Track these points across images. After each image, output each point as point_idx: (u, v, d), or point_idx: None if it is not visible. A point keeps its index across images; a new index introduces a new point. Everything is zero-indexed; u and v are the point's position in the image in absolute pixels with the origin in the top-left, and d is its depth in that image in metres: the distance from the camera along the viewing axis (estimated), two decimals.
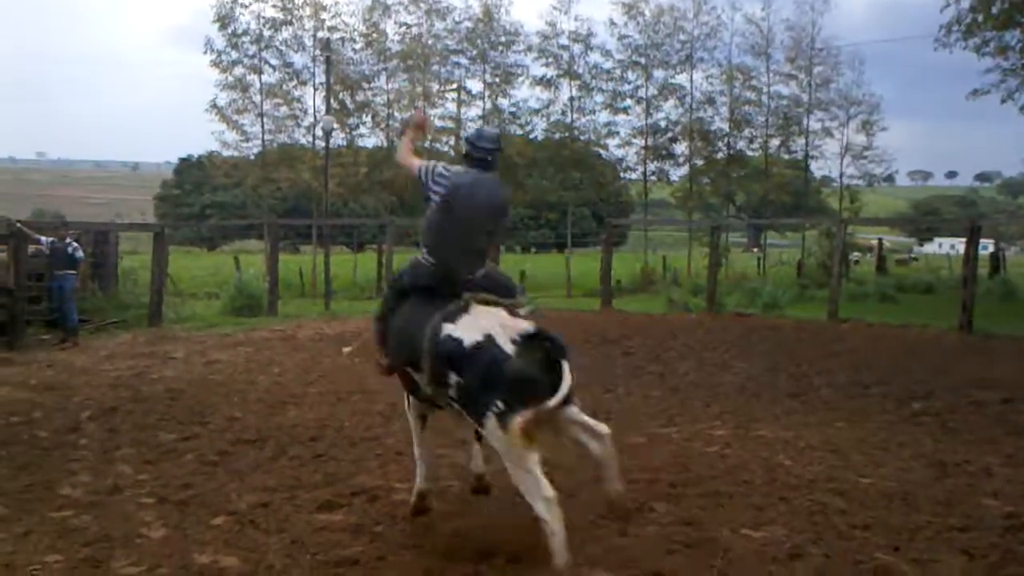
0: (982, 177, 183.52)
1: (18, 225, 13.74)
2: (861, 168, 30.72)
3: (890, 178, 36.68)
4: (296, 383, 10.22)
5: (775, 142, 30.54)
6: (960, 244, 19.37)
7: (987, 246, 32.48)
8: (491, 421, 4.34)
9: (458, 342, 4.53)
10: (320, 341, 13.97)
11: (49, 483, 6.12)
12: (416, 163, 5.05)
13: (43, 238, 13.99)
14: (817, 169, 32.56)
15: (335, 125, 26.53)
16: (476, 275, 4.98)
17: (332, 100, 27.01)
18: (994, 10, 21.29)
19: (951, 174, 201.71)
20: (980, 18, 21.82)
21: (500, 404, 4.29)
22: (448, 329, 4.62)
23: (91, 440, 7.46)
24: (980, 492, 6.01)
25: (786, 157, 31.21)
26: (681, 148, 30.17)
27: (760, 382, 10.57)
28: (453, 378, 4.53)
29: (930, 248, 68.97)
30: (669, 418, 8.48)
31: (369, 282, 26.47)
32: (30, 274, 14.17)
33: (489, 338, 4.48)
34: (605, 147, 30.74)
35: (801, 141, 30.47)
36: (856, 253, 41.26)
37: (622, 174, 32.72)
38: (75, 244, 14.13)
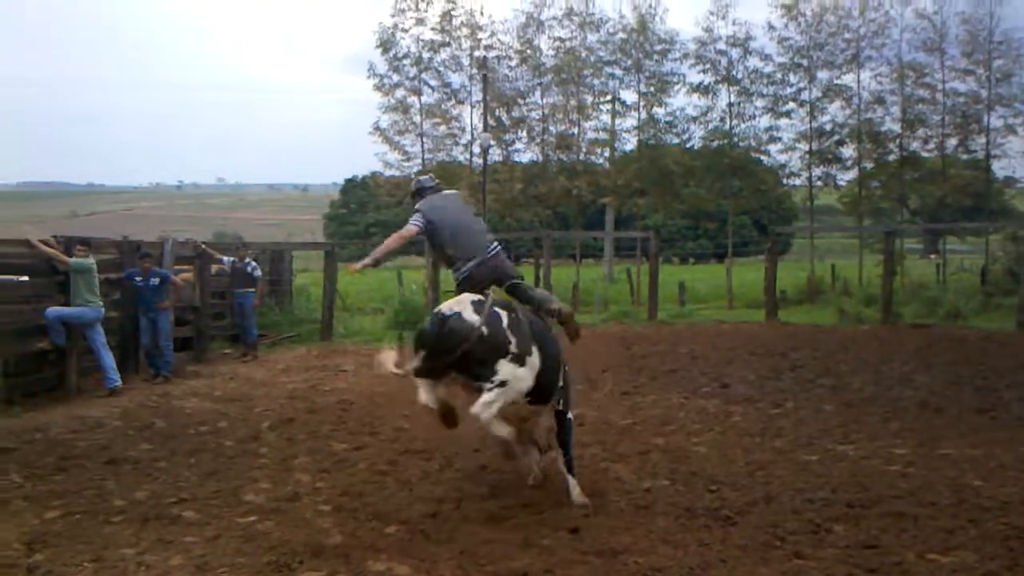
0: None
1: (202, 246, 14.72)
2: None
3: None
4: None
5: (952, 142, 28.54)
6: None
7: None
8: None
9: None
10: None
11: (234, 490, 6.50)
12: (402, 231, 6.43)
13: (225, 258, 14.94)
14: (1000, 169, 30.16)
15: (492, 142, 26.97)
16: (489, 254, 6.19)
17: (489, 117, 27.48)
18: None
19: None
20: None
21: None
22: None
23: (271, 449, 7.88)
24: None
25: (965, 157, 29.11)
26: (848, 151, 28.70)
27: (944, 397, 9.92)
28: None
29: None
30: (844, 435, 8.08)
31: None
32: (214, 292, 15.18)
33: None
34: (767, 153, 29.66)
35: (981, 140, 28.31)
36: None
37: (785, 180, 31.51)
38: (253, 263, 15.03)
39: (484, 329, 5.25)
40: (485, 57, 27.61)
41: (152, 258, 12.26)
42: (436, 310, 5.59)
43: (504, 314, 5.46)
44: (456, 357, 5.21)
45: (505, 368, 5.25)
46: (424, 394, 5.45)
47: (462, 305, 5.42)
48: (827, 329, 17.27)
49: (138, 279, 11.94)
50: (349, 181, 77.19)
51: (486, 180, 26.12)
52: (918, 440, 7.73)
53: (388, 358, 5.67)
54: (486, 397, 5.20)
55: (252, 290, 14.68)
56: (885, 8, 27.93)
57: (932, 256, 38.33)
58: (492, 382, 5.21)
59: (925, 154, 28.98)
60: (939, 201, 29.36)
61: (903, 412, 9.04)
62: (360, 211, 72.40)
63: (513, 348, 5.32)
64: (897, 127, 28.24)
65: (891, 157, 28.37)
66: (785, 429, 8.36)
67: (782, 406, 9.54)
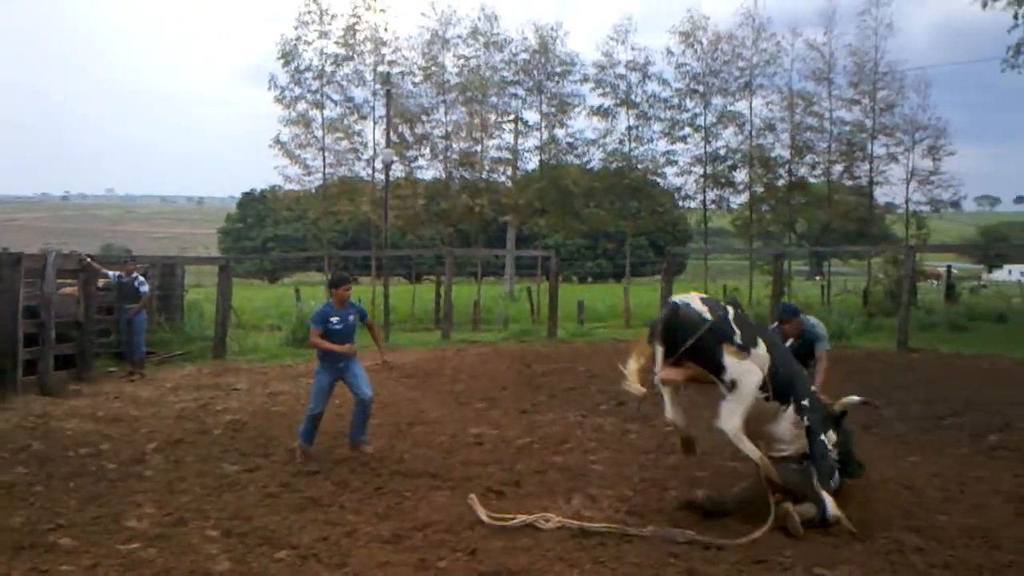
0: None
1: (87, 260, 14.03)
2: (927, 194, 29.84)
3: (956, 204, 35.63)
4: None
5: (838, 168, 29.88)
6: None
7: None
8: None
9: None
10: (380, 372, 14.01)
11: (116, 515, 6.20)
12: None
13: (111, 272, 14.31)
14: (882, 195, 31.71)
15: (394, 158, 26.81)
16: None
17: (392, 133, 27.32)
18: None
19: (1020, 199, 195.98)
20: None
21: None
22: None
23: (156, 472, 7.56)
24: None
25: (849, 183, 30.49)
26: (741, 176, 29.69)
27: None
28: None
29: (999, 275, 66.88)
30: (734, 452, 8.25)
31: (427, 313, 26.55)
32: (99, 308, 14.49)
33: None
34: (663, 176, 30.44)
35: (865, 167, 29.75)
36: (933, 281, 40.17)
37: (680, 202, 32.39)
38: (141, 278, 14.41)
39: (711, 316, 5.78)
40: (389, 72, 27.47)
41: None
42: (669, 300, 6.27)
43: (731, 309, 6.01)
44: (689, 344, 5.69)
45: (732, 362, 5.69)
46: (669, 410, 5.93)
47: (691, 297, 6.07)
48: None
49: None
50: (247, 194, 75.50)
51: (388, 196, 25.91)
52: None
53: (631, 370, 5.87)
54: (725, 408, 5.69)
55: (135, 305, 13.99)
56: (777, 38, 29.11)
57: (818, 278, 39.97)
58: (724, 382, 5.70)
59: (812, 180, 30.24)
60: (825, 225, 30.70)
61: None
62: (258, 225, 70.93)
63: (738, 339, 5.76)
64: (786, 153, 29.41)
65: (780, 182, 29.48)
66: (679, 447, 8.52)
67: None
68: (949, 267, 38.53)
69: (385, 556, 5.20)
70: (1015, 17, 21.57)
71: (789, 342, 7.60)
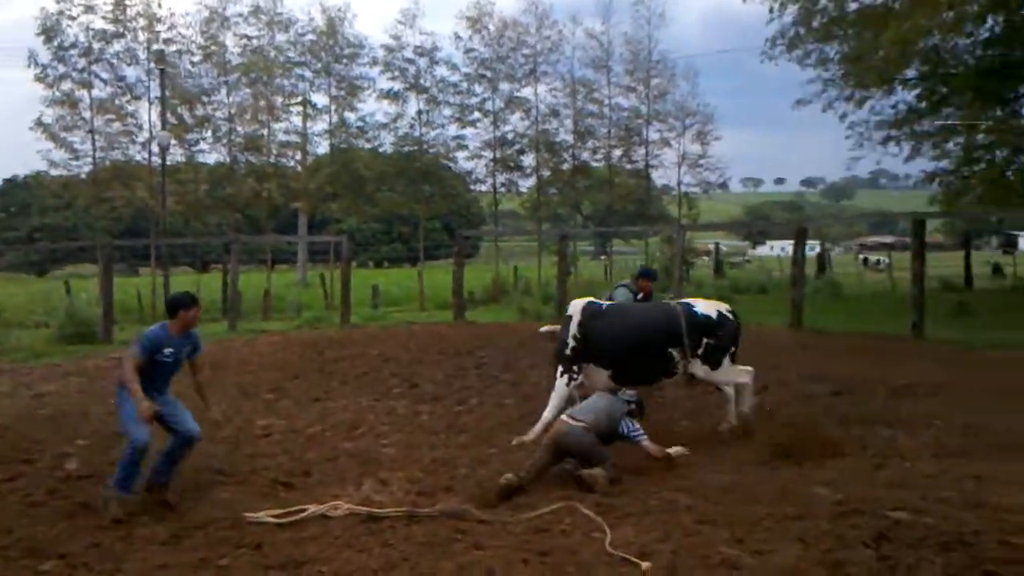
0: (808, 183, 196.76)
1: None
2: (697, 176, 32.17)
3: (724, 185, 38.51)
4: None
5: (617, 152, 31.53)
6: (789, 246, 20.57)
7: (814, 247, 34.78)
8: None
9: None
10: None
11: None
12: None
13: None
14: (658, 178, 33.83)
15: (172, 141, 25.48)
16: None
17: (169, 115, 25.92)
18: (815, 24, 22.76)
19: (780, 180, 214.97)
20: (802, 31, 23.27)
21: None
22: None
23: None
24: (812, 482, 6.36)
25: (628, 167, 32.23)
26: (528, 160, 30.68)
27: None
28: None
29: (763, 251, 72.94)
30: (523, 427, 8.55)
31: (213, 303, 25.37)
32: None
33: None
34: (454, 160, 30.92)
35: (642, 151, 31.62)
36: (704, 258, 43.10)
37: (472, 186, 32.97)
38: None
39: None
40: (163, 51, 25.98)
41: None
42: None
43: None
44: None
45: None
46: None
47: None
48: (510, 327, 18.23)
49: None
50: (8, 181, 68.87)
51: (166, 181, 24.53)
52: None
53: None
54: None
55: None
56: (559, 26, 30.15)
57: (602, 258, 41.90)
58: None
59: (595, 164, 31.68)
60: (607, 207, 32.22)
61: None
62: (22, 214, 64.95)
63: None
64: (570, 138, 30.61)
65: (565, 166, 30.64)
66: (469, 425, 8.72)
67: (467, 403, 9.92)
68: (717, 244, 41.70)
69: (162, 558, 4.97)
70: (771, 11, 23.43)
71: (640, 296, 9.73)
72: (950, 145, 25.31)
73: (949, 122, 24.40)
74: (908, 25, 17.98)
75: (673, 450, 6.74)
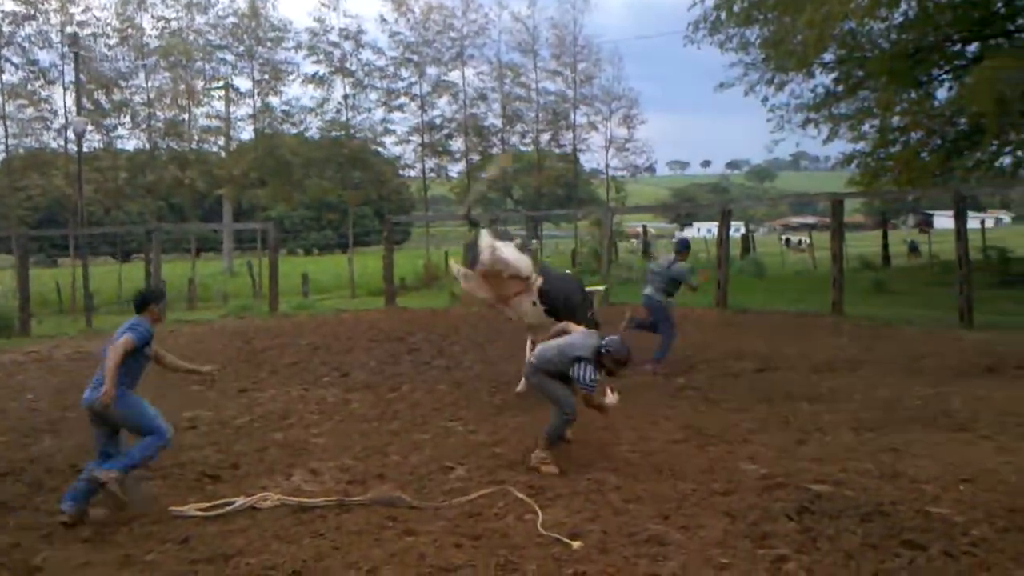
0: (732, 165, 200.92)
1: None
2: (624, 160, 32.42)
3: (651, 168, 39.07)
4: (53, 408, 9.37)
5: (545, 136, 31.60)
6: (715, 227, 20.98)
7: (739, 228, 35.52)
8: None
9: None
10: (80, 361, 12.89)
11: None
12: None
13: None
14: (586, 162, 34.16)
15: (89, 126, 24.63)
16: None
17: (85, 100, 25.07)
18: (736, 8, 23.08)
19: (705, 163, 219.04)
20: (723, 15, 23.58)
21: None
22: None
23: None
24: (738, 457, 6.54)
25: (557, 151, 32.36)
26: (457, 144, 30.52)
27: None
28: None
29: (689, 232, 74.14)
30: (455, 412, 8.58)
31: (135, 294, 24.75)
32: None
33: None
34: (383, 145, 30.57)
35: (569, 135, 31.74)
36: (632, 240, 43.54)
37: (401, 171, 32.67)
38: None
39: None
40: (77, 34, 25.10)
41: None
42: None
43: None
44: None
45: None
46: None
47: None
48: (441, 313, 18.23)
49: None
50: None
51: (83, 169, 23.74)
52: (523, 412, 8.40)
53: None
54: None
55: None
56: (485, 10, 29.99)
57: (534, 241, 42.05)
58: None
59: (523, 148, 31.68)
60: (537, 191, 32.32)
61: (507, 387, 9.80)
62: None
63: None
64: (499, 122, 30.54)
65: (494, 150, 30.57)
66: (401, 411, 8.69)
67: (399, 389, 9.89)
68: (645, 227, 42.17)
69: (85, 556, 4.85)
70: None
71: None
72: (866, 127, 26.07)
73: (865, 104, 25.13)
74: (825, 9, 18.38)
75: (608, 399, 6.49)
